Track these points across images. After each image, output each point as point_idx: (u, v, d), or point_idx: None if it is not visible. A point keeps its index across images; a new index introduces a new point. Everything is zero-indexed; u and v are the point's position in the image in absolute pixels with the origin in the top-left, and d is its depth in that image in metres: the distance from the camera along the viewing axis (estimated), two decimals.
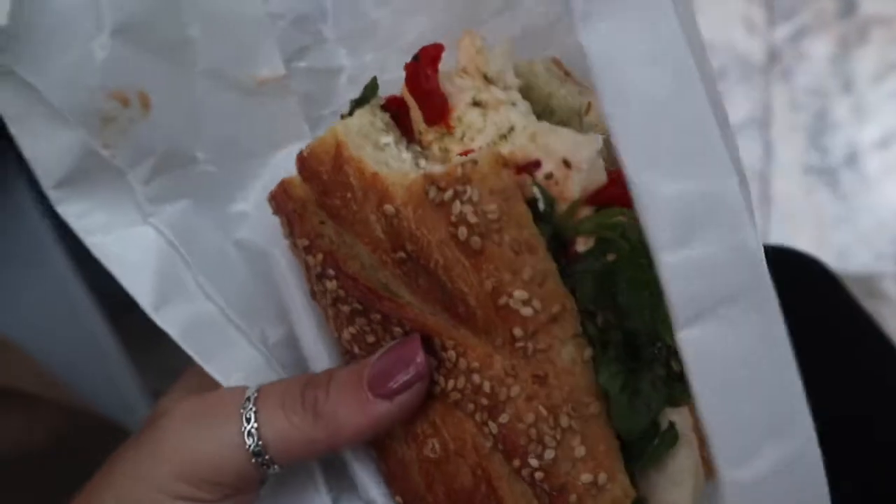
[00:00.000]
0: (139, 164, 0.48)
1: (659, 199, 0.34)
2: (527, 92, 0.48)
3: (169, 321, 0.48)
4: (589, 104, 0.48)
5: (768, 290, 0.34)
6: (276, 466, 0.46)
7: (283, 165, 0.49)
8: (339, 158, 0.42)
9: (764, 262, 0.34)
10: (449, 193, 0.39)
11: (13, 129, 0.44)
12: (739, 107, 1.60)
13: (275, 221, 0.49)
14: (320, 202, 0.44)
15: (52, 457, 0.80)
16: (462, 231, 0.39)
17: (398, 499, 0.49)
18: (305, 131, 0.53)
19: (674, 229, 0.34)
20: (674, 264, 0.34)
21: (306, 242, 0.46)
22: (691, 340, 0.34)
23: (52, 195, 0.46)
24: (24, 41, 0.42)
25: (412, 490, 0.47)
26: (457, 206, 0.39)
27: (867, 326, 0.83)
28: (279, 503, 0.51)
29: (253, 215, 0.52)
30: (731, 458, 0.36)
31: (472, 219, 0.39)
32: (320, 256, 0.45)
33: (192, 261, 0.50)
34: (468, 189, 0.39)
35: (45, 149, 0.45)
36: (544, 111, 0.49)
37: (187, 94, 0.49)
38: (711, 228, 0.34)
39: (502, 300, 0.40)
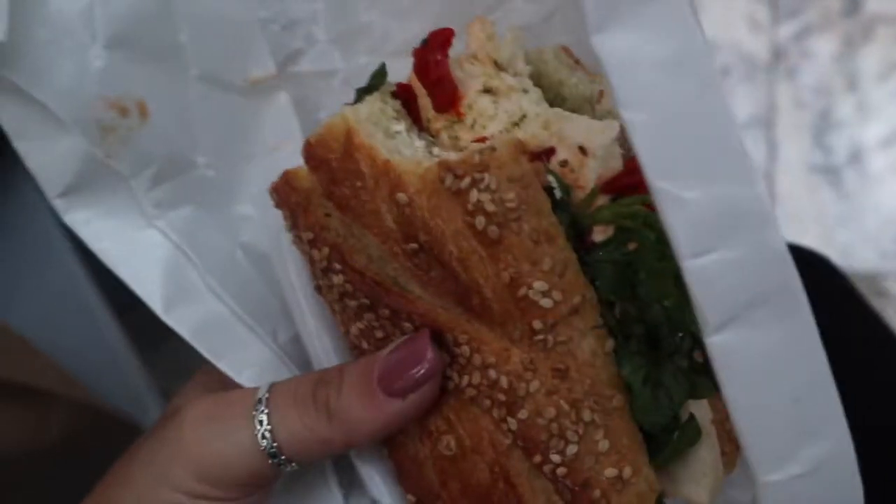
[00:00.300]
0: (141, 172, 0.48)
1: (682, 205, 0.33)
2: (537, 79, 0.47)
3: (179, 322, 0.48)
4: (601, 92, 0.47)
5: (798, 291, 0.34)
6: (292, 465, 0.46)
7: (280, 166, 0.48)
8: (350, 145, 0.41)
9: (792, 263, 0.34)
10: (466, 181, 0.38)
11: (16, 143, 0.45)
12: (744, 105, 1.60)
13: (278, 222, 0.48)
14: (328, 192, 0.42)
15: (63, 455, 0.80)
16: (479, 220, 0.38)
17: (410, 497, 0.48)
18: (298, 131, 0.53)
19: (698, 235, 0.33)
20: (700, 270, 0.34)
21: (311, 235, 0.44)
22: (722, 346, 0.34)
23: (58, 204, 0.46)
24: (23, 54, 0.43)
25: (426, 488, 0.46)
26: (474, 195, 0.38)
27: (875, 325, 0.84)
28: (291, 502, 0.51)
29: (255, 217, 0.52)
30: (766, 463, 0.35)
31: (490, 207, 0.38)
32: (326, 250, 0.44)
33: (200, 263, 0.50)
34: (486, 177, 0.38)
35: (48, 159, 0.45)
36: (555, 99, 0.48)
37: (183, 100, 0.49)
38: (736, 233, 0.34)
39: (521, 291, 0.39)
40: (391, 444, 0.48)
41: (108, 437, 0.88)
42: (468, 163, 0.38)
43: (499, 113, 0.43)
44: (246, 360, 0.49)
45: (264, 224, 0.51)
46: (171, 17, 0.47)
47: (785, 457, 0.35)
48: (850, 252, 1.53)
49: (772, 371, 0.34)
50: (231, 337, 0.50)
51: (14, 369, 0.75)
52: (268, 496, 0.49)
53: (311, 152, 0.43)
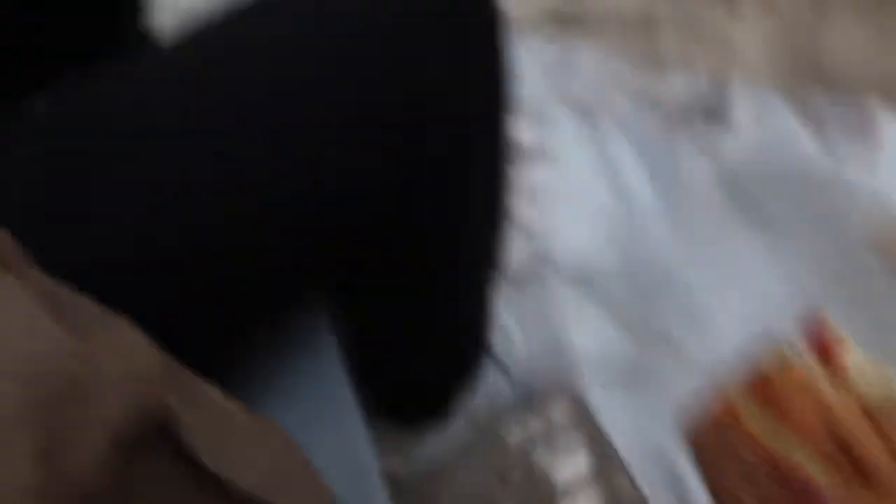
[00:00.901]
0: None
1: None
2: None
3: None
4: None
5: None
6: None
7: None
8: (786, 381, 0.62)
9: None
10: (878, 405, 0.58)
11: None
12: None
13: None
14: (771, 410, 0.61)
15: None
16: (879, 417, 0.58)
17: None
18: None
19: None
20: None
21: (746, 441, 0.61)
22: None
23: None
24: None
25: None
26: (880, 408, 0.58)
27: None
28: None
29: None
30: None
31: (885, 410, 0.58)
32: (759, 451, 0.60)
33: None
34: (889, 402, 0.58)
35: None
36: None
37: None
38: None
39: None
40: None
41: None
42: (878, 396, 0.59)
43: (872, 373, 0.62)
44: None
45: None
46: None
47: None
48: None
49: None
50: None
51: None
52: None
53: (756, 387, 0.63)
